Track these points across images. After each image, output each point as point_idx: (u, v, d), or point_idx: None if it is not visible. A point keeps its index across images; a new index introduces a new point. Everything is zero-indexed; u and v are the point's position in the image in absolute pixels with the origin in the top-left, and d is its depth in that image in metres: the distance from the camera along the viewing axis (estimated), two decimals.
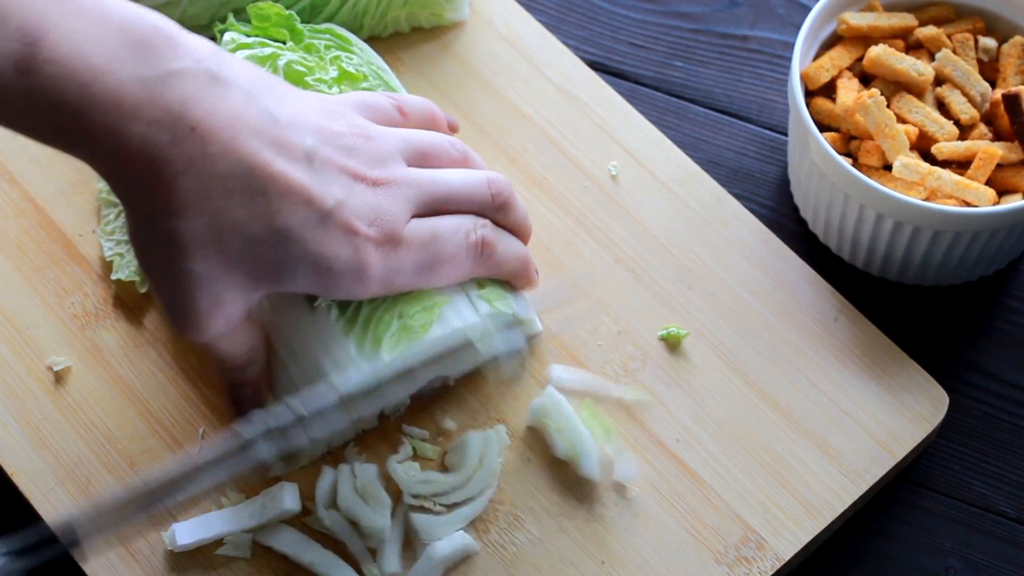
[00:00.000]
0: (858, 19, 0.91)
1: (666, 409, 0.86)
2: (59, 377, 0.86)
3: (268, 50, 0.85)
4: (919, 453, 0.87)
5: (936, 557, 0.85)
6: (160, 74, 0.71)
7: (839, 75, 0.91)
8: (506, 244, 0.83)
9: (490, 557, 0.81)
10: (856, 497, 0.83)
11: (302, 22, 0.89)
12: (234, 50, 0.85)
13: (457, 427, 0.85)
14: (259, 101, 0.74)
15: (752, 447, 0.84)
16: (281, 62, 0.84)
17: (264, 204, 0.73)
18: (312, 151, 0.75)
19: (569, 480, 0.83)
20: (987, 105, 0.90)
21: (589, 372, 0.86)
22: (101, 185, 0.92)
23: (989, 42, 0.92)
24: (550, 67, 0.98)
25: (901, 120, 0.89)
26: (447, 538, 0.81)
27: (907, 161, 0.86)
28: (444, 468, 0.84)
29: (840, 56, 0.91)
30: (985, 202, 0.86)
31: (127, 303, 0.89)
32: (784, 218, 0.96)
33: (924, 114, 0.89)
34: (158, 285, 0.76)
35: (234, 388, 0.81)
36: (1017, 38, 0.91)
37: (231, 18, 0.88)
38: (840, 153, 0.89)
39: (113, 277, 0.89)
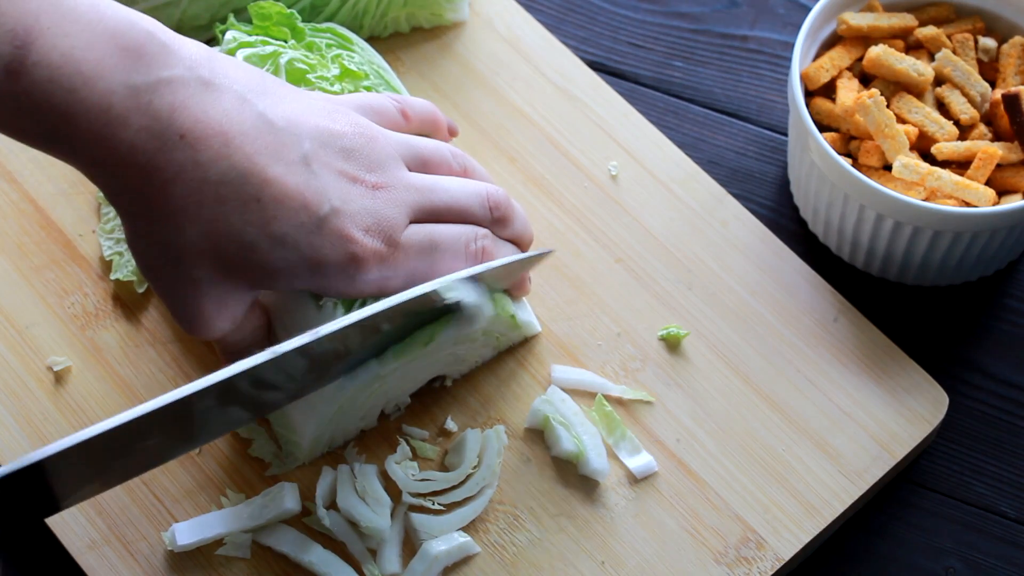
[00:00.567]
0: (858, 19, 0.91)
1: (666, 409, 0.86)
2: (59, 377, 0.86)
3: (270, 48, 0.85)
4: (919, 453, 0.87)
5: (936, 557, 0.85)
6: (150, 81, 0.70)
7: (839, 75, 0.91)
8: (504, 256, 0.82)
9: (490, 557, 0.81)
10: (856, 497, 0.83)
11: (302, 22, 0.89)
12: (235, 48, 0.85)
13: (457, 427, 0.85)
14: (253, 105, 0.74)
15: (752, 447, 0.84)
16: (283, 60, 0.84)
17: (259, 210, 0.73)
18: (309, 154, 0.75)
19: (569, 480, 0.84)
20: (987, 105, 0.90)
21: (589, 372, 0.86)
22: None
23: (989, 42, 0.92)
24: (550, 67, 0.98)
25: (901, 120, 0.89)
26: (443, 536, 0.81)
27: (907, 161, 0.86)
28: (444, 468, 0.84)
29: (840, 56, 0.91)
30: (985, 202, 0.86)
31: (127, 303, 0.89)
32: (784, 218, 0.96)
33: (924, 114, 0.89)
34: (160, 291, 0.76)
35: None
36: (1017, 38, 0.91)
37: (232, 17, 0.88)
38: (840, 153, 0.89)
39: (112, 277, 0.89)
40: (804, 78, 0.91)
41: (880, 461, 0.84)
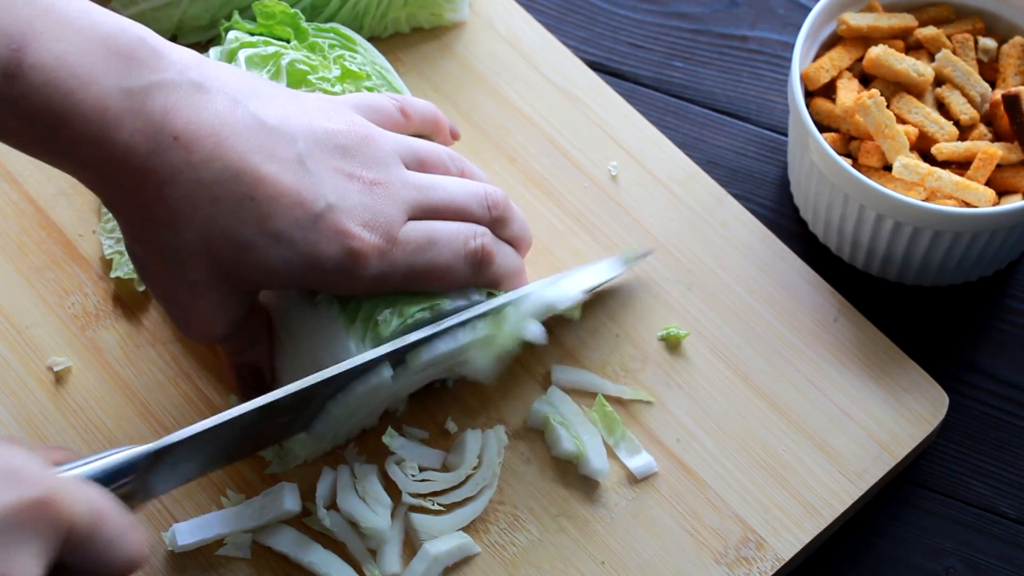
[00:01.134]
0: (858, 19, 0.91)
1: (666, 409, 0.86)
2: (59, 377, 0.86)
3: (272, 49, 0.85)
4: (919, 453, 0.87)
5: (936, 557, 0.85)
6: (143, 85, 0.71)
7: (839, 75, 0.91)
8: (503, 255, 0.82)
9: (490, 557, 0.81)
10: (856, 497, 0.83)
11: (305, 22, 0.89)
12: (237, 48, 0.85)
13: (457, 428, 0.85)
14: (245, 106, 0.74)
15: (752, 447, 0.84)
16: (284, 61, 0.84)
17: (254, 209, 0.73)
18: (303, 152, 0.75)
19: (569, 480, 0.84)
20: (987, 105, 0.90)
21: (589, 372, 0.86)
22: None
23: (989, 42, 0.92)
24: (550, 67, 0.98)
25: (901, 120, 0.89)
26: (444, 536, 0.81)
27: (907, 162, 0.86)
28: (445, 468, 0.84)
29: (840, 56, 0.91)
30: (985, 202, 0.86)
31: (127, 302, 0.89)
32: (784, 218, 0.96)
33: (924, 114, 0.89)
34: (158, 294, 0.76)
35: (236, 367, 0.82)
36: (1017, 38, 0.91)
37: (236, 16, 0.88)
38: (840, 153, 0.89)
39: (112, 275, 0.89)
40: (804, 78, 0.91)
41: (880, 461, 0.84)
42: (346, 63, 0.87)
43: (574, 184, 0.94)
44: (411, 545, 0.81)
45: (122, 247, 0.89)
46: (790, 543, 0.82)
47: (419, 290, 0.79)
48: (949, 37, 0.92)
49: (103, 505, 0.60)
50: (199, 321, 0.76)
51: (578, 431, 0.83)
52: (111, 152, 0.70)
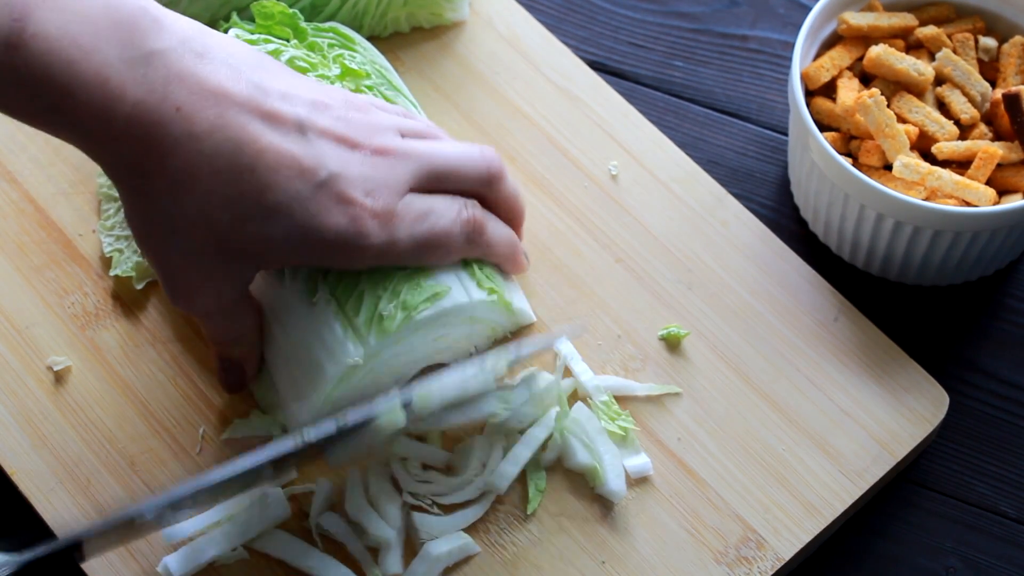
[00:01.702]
0: (858, 19, 0.91)
1: (666, 409, 0.86)
2: (59, 377, 0.86)
3: (271, 46, 0.85)
4: (919, 453, 0.87)
5: (936, 557, 0.85)
6: (144, 54, 0.71)
7: (839, 75, 0.91)
8: (494, 225, 0.83)
9: (490, 557, 0.81)
10: (856, 497, 0.83)
11: (304, 21, 0.89)
12: None
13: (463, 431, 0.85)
14: (248, 76, 0.74)
15: (752, 447, 0.84)
16: (283, 58, 0.84)
17: (253, 180, 0.73)
18: (305, 121, 0.75)
19: (570, 480, 0.83)
20: (987, 105, 0.90)
21: (613, 376, 0.86)
22: (102, 180, 0.92)
23: (989, 42, 0.92)
24: (550, 67, 0.98)
25: (901, 120, 0.89)
26: (445, 536, 0.80)
27: (907, 161, 0.86)
28: (448, 468, 0.84)
29: (840, 56, 0.91)
30: (985, 202, 0.86)
31: (127, 302, 0.89)
32: (784, 218, 0.96)
33: (924, 114, 0.89)
34: (152, 259, 0.76)
35: (221, 361, 0.82)
36: (1017, 38, 0.91)
37: (235, 16, 0.88)
38: (840, 153, 0.89)
39: (111, 273, 0.89)
40: (804, 78, 0.91)
41: (880, 461, 0.84)
42: (346, 62, 0.87)
43: (574, 184, 0.94)
44: (412, 544, 0.81)
45: (122, 245, 0.89)
46: (790, 543, 0.82)
47: (418, 264, 0.79)
48: (949, 36, 0.92)
49: None
50: (188, 289, 0.76)
51: (599, 451, 0.83)
52: (113, 122, 0.70)
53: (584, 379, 0.85)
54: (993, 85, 0.91)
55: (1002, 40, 0.93)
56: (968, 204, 0.86)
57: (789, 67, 0.94)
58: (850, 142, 0.90)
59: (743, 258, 0.91)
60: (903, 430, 0.85)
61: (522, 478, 0.83)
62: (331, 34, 0.89)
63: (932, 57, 0.91)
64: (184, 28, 0.73)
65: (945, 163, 0.88)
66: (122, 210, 0.90)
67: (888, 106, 0.88)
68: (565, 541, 0.82)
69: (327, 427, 0.76)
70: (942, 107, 0.90)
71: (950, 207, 0.85)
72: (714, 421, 0.85)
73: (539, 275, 0.90)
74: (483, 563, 0.81)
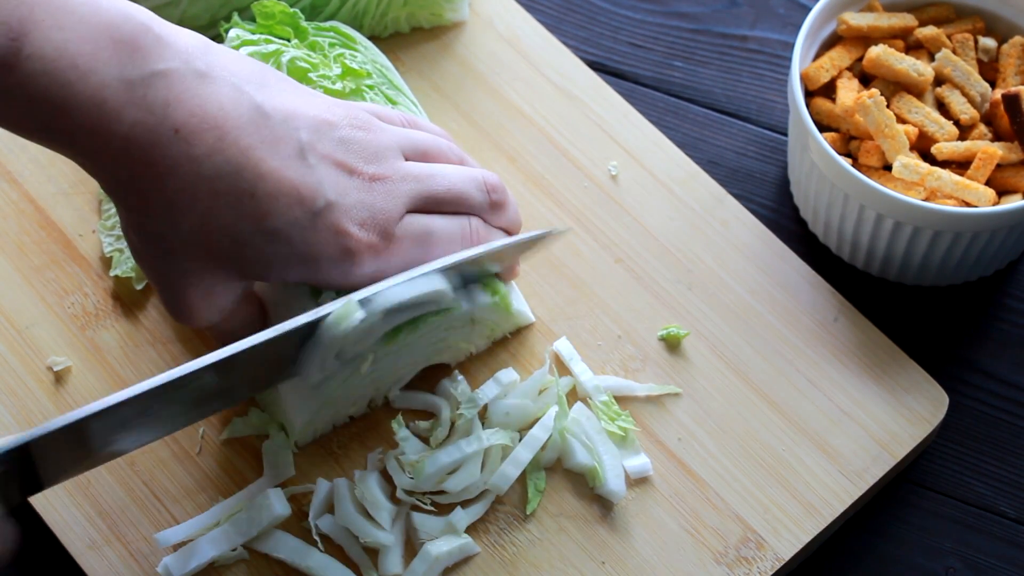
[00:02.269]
0: (858, 19, 0.91)
1: (666, 409, 0.86)
2: (59, 377, 0.86)
3: (272, 47, 0.85)
4: (919, 453, 0.87)
5: (936, 557, 0.85)
6: (144, 75, 0.70)
7: (839, 75, 0.91)
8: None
9: (490, 557, 0.81)
10: (856, 497, 0.83)
11: (305, 21, 0.89)
12: (238, 47, 0.85)
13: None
14: (251, 97, 0.73)
15: (752, 447, 0.84)
16: (285, 59, 0.84)
17: (253, 205, 0.73)
18: (305, 146, 0.74)
19: (569, 480, 0.83)
20: (987, 105, 0.90)
21: (614, 377, 0.86)
22: None
23: (989, 42, 0.92)
24: (550, 67, 0.98)
25: (901, 120, 0.89)
26: (444, 537, 0.80)
27: (907, 161, 0.86)
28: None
29: (840, 56, 0.91)
30: (985, 202, 0.86)
31: (127, 302, 0.89)
32: (784, 218, 0.96)
33: (924, 114, 0.89)
34: (152, 278, 0.76)
35: None
36: (1017, 38, 0.91)
37: (236, 16, 0.88)
38: (840, 153, 0.89)
39: (111, 273, 0.89)
40: (804, 78, 0.91)
41: (880, 461, 0.84)
42: (347, 61, 0.87)
43: (574, 184, 0.94)
44: (411, 545, 0.81)
45: (122, 245, 0.89)
46: (790, 543, 0.82)
47: None
48: (949, 37, 0.92)
49: None
50: (188, 307, 0.76)
51: (599, 451, 0.83)
52: (110, 143, 0.70)
53: (584, 379, 0.85)
54: (993, 85, 0.91)
55: (1002, 40, 0.93)
56: (968, 204, 0.86)
57: (789, 67, 0.94)
58: (850, 142, 0.90)
59: (743, 258, 0.91)
60: (903, 430, 0.85)
61: (522, 478, 0.83)
62: (332, 33, 0.89)
63: (932, 57, 0.91)
64: (187, 46, 0.73)
65: (945, 163, 0.88)
66: None
67: (888, 106, 0.88)
68: (565, 541, 0.82)
69: (272, 330, 0.75)
70: (942, 107, 0.90)
71: (950, 207, 0.85)
72: (714, 421, 0.85)
73: (539, 275, 0.90)
74: (483, 563, 0.81)
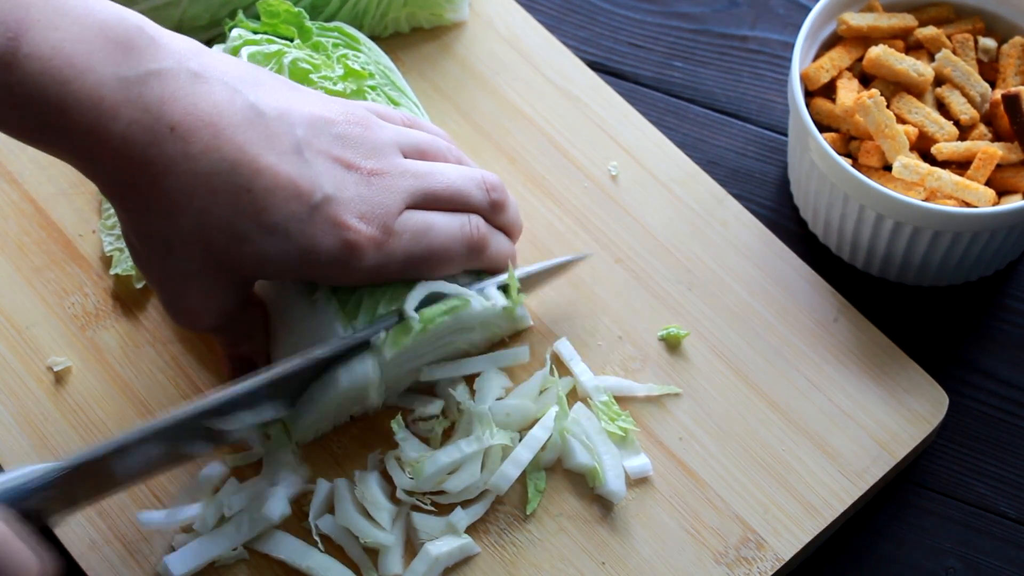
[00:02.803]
0: (858, 19, 0.91)
1: (666, 409, 0.86)
2: (59, 377, 0.86)
3: (274, 47, 0.85)
4: (919, 453, 0.87)
5: (936, 557, 0.85)
6: (139, 74, 0.71)
7: (839, 75, 0.91)
8: (497, 242, 0.83)
9: (490, 557, 0.81)
10: (856, 497, 0.83)
11: (310, 21, 0.89)
12: (240, 46, 0.85)
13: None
14: (245, 96, 0.74)
15: (752, 447, 0.84)
16: (286, 60, 0.84)
17: (250, 201, 0.73)
18: (301, 142, 0.74)
19: (569, 481, 0.83)
20: (987, 105, 0.90)
21: (614, 377, 0.86)
22: None
23: (989, 42, 0.92)
24: (550, 67, 0.98)
25: (901, 120, 0.89)
26: (444, 537, 0.80)
27: (907, 161, 0.86)
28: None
29: (840, 56, 0.91)
30: (985, 202, 0.86)
31: (127, 302, 0.89)
32: (784, 218, 0.96)
33: (924, 114, 0.89)
34: (151, 280, 0.76)
35: (230, 358, 0.82)
36: (1017, 38, 0.91)
37: (240, 14, 0.88)
38: (840, 153, 0.89)
39: (111, 272, 0.89)
40: (804, 78, 0.91)
41: (880, 461, 0.84)
42: (349, 62, 0.87)
43: (574, 184, 0.94)
44: (412, 545, 0.81)
45: (122, 244, 0.89)
46: (790, 543, 0.82)
47: (416, 278, 0.79)
48: (949, 37, 0.92)
49: None
50: (189, 309, 0.76)
51: (599, 451, 0.83)
52: (107, 142, 0.70)
53: (584, 379, 0.85)
54: (993, 86, 0.91)
55: (1002, 41, 0.93)
56: (968, 205, 0.86)
57: (789, 67, 0.94)
58: (850, 143, 0.90)
59: (743, 258, 0.91)
60: (903, 431, 0.85)
61: (522, 479, 0.83)
62: (336, 33, 0.89)
63: (932, 58, 0.91)
64: (181, 48, 0.73)
65: (945, 164, 0.88)
66: None
67: (888, 107, 0.88)
68: (565, 541, 0.82)
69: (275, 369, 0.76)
70: (942, 108, 0.90)
71: (950, 208, 0.85)
72: (714, 421, 0.85)
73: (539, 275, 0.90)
74: (483, 563, 0.81)
